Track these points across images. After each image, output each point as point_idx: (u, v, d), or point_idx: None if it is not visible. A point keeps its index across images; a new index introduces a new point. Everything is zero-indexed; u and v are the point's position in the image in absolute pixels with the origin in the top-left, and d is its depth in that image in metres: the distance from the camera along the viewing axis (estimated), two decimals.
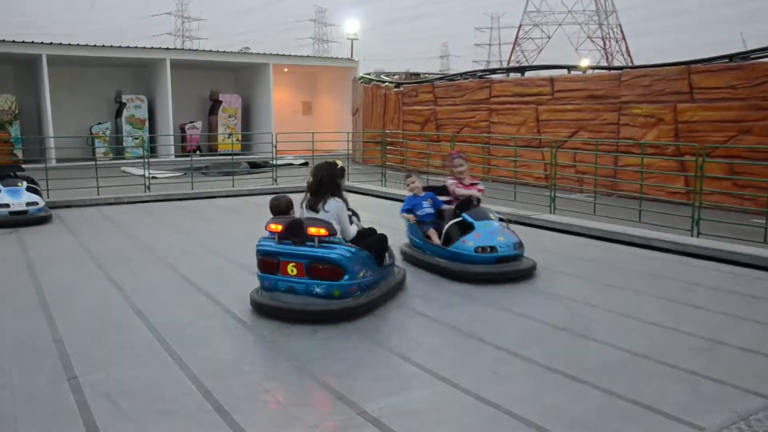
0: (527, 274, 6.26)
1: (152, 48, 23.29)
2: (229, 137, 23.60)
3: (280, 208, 5.61)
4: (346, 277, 4.97)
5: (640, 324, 4.99)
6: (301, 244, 5.00)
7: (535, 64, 42.98)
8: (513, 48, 68.99)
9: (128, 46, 22.24)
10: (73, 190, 12.16)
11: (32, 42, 20.52)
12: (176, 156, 21.41)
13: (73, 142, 20.63)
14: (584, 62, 28.80)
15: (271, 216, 5.43)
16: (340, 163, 5.60)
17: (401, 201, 12.23)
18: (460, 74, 18.56)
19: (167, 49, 24.77)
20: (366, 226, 5.91)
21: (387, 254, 5.69)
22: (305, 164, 18.15)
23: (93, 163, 13.54)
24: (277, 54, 25.55)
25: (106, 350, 4.44)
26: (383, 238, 5.66)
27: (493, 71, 18.44)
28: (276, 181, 14.35)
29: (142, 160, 14.64)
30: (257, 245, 5.18)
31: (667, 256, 7.50)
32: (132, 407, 3.58)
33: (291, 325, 4.87)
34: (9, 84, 22.31)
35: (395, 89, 19.11)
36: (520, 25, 68.76)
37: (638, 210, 9.19)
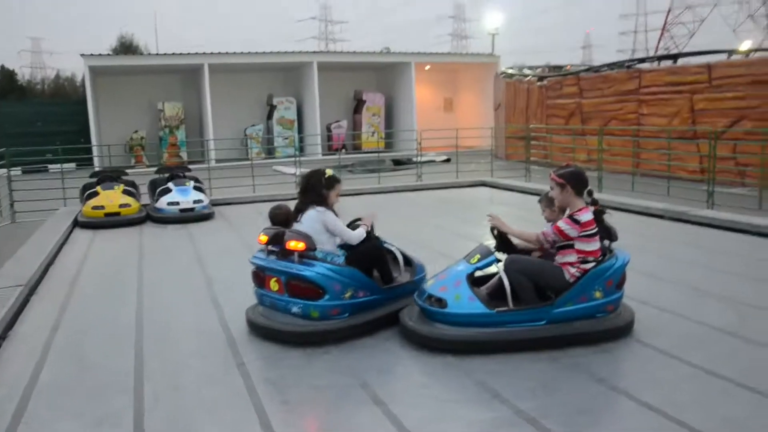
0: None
1: (300, 52, 24.52)
2: (373, 135, 24.22)
3: (278, 218, 5.21)
4: (326, 297, 4.52)
5: None
6: (284, 258, 4.67)
7: (687, 50, 40.21)
8: (661, 34, 64.88)
9: (278, 52, 23.50)
10: (232, 189, 13.05)
11: (196, 53, 22.26)
12: (323, 154, 22.32)
13: (230, 143, 22.12)
14: (745, 45, 26.65)
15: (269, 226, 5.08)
16: (329, 173, 5.06)
17: None
18: (607, 65, 17.82)
19: (314, 52, 25.94)
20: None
21: (399, 271, 5.10)
22: (448, 161, 18.25)
23: (248, 162, 14.42)
24: (419, 52, 25.87)
25: (268, 340, 4.70)
26: (375, 250, 5.00)
27: (643, 60, 17.54)
28: (420, 177, 14.55)
29: (292, 159, 15.41)
30: (252, 257, 4.92)
31: None
32: (296, 395, 3.80)
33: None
34: (176, 92, 24.39)
35: (538, 83, 18.71)
36: (669, 9, 64.56)
37: None
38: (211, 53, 22.45)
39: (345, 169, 16.99)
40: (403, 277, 5.11)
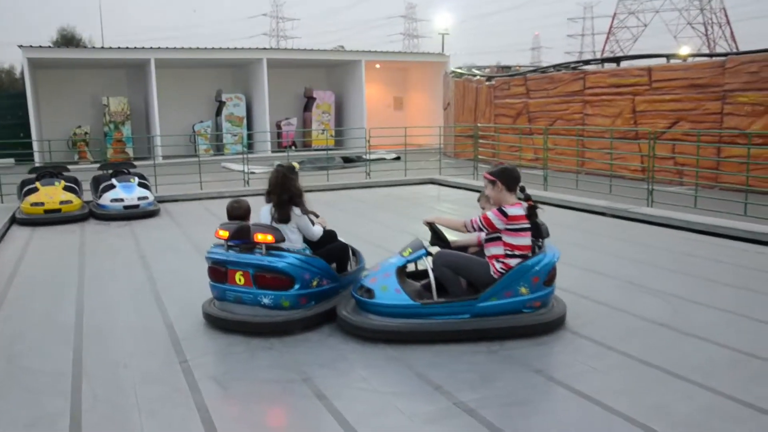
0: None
1: (250, 48, 24.18)
2: (323, 133, 24.14)
3: (236, 212, 5.27)
4: (296, 286, 4.68)
5: (750, 322, 4.78)
6: (248, 252, 4.77)
7: (631, 53, 41.32)
8: (607, 38, 66.76)
9: (228, 48, 23.21)
10: (179, 186, 12.85)
11: (142, 47, 21.77)
12: (273, 152, 22.14)
13: (178, 139, 21.72)
14: (684, 50, 27.60)
15: (227, 220, 5.16)
16: (297, 166, 5.20)
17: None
18: (553, 66, 18.19)
19: (264, 49, 25.65)
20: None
21: (350, 262, 5.40)
22: (397, 159, 18.34)
23: (196, 159, 14.22)
24: (369, 51, 25.92)
25: (213, 337, 4.70)
26: (344, 248, 5.35)
27: (587, 62, 17.97)
28: (369, 175, 14.58)
29: (240, 156, 15.25)
30: (207, 253, 4.96)
31: None
32: (239, 391, 3.80)
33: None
34: (122, 87, 23.83)
35: (487, 83, 18.96)
36: (615, 14, 66.37)
37: (744, 203, 8.77)
38: (158, 48, 21.98)
39: None
40: (351, 267, 5.38)
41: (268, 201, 5.08)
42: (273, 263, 4.65)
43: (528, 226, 4.52)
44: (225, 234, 4.80)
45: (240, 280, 4.74)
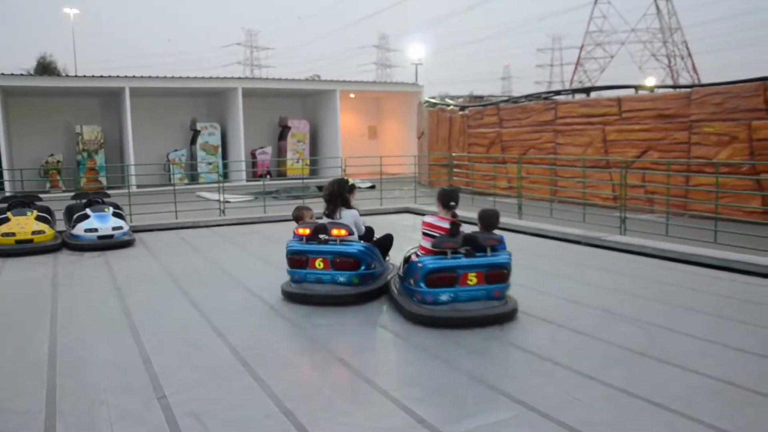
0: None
1: (225, 78, 24.22)
2: (297, 162, 24.15)
3: (299, 216, 6.93)
4: (362, 267, 6.22)
5: (726, 350, 4.84)
6: (324, 243, 6.26)
7: (599, 84, 42.26)
8: (575, 68, 68.34)
9: (203, 77, 23.19)
10: (154, 215, 12.72)
11: (117, 76, 21.68)
12: (248, 180, 22.07)
13: (152, 168, 21.57)
14: (649, 81, 28.26)
15: (297, 224, 6.71)
16: (351, 181, 6.86)
17: (469, 223, 12.34)
18: (526, 96, 18.49)
19: (239, 78, 25.71)
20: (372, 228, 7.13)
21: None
22: (372, 187, 18.39)
23: (171, 188, 14.11)
24: (344, 80, 26.09)
25: (192, 371, 4.63)
26: (390, 237, 7.12)
27: (558, 92, 18.31)
28: None
29: (216, 185, 15.16)
30: (287, 246, 6.41)
31: (748, 278, 7.27)
32: (218, 427, 3.72)
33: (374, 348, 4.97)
34: (95, 115, 23.65)
35: (460, 112, 19.19)
36: (582, 45, 68.07)
37: (713, 230, 8.94)
38: (133, 77, 21.92)
39: (270, 195, 16.85)
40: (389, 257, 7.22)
41: (326, 200, 6.70)
42: (348, 250, 6.20)
43: (431, 233, 5.79)
44: (306, 231, 6.34)
45: (320, 264, 6.22)
